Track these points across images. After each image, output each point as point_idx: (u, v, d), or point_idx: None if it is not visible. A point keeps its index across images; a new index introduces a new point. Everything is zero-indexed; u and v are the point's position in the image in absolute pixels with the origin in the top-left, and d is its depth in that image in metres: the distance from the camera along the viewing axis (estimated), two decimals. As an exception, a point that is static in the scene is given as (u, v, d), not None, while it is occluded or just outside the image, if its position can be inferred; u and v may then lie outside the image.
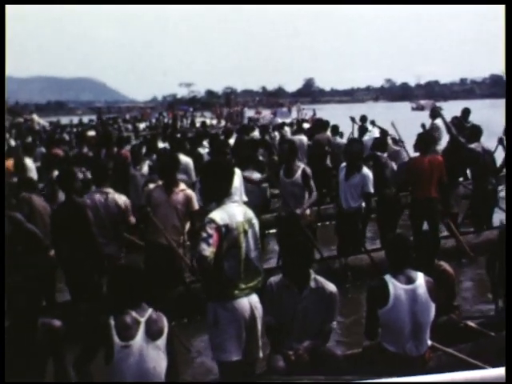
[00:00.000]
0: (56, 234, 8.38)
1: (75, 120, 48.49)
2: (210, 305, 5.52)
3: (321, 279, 6.19)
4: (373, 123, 18.88)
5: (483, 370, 3.91)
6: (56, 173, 11.24)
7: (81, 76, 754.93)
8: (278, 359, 5.99)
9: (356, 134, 18.63)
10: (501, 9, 6.14)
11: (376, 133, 17.07)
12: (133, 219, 8.81)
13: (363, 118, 19.72)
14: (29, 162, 13.81)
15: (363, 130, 18.44)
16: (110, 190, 8.79)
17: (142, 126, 44.83)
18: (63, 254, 8.37)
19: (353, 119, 19.48)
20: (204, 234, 5.26)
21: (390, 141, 14.85)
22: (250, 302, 5.54)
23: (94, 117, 56.43)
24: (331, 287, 6.17)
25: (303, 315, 6.09)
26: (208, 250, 5.19)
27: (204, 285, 5.72)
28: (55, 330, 5.21)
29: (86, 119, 52.45)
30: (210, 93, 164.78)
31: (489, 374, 3.57)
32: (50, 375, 5.29)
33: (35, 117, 47.15)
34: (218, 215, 5.38)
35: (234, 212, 5.50)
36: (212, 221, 5.32)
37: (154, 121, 53.02)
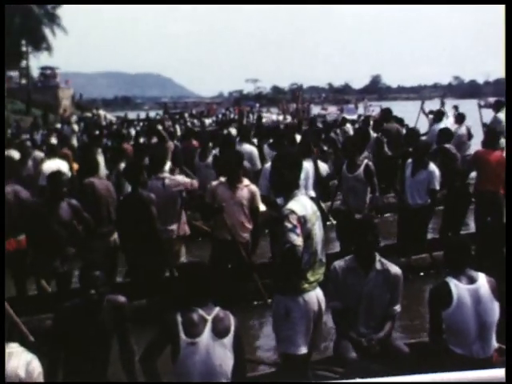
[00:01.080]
0: (121, 225, 8.61)
1: (142, 115, 48.69)
2: (281, 298, 5.51)
3: (385, 261, 6.18)
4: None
5: (484, 370, 3.95)
6: (123, 165, 11.40)
7: (147, 71, 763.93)
8: (348, 349, 5.98)
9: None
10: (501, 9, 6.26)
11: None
12: (195, 183, 9.13)
13: (439, 112, 19.08)
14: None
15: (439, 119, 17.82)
16: (165, 175, 9.01)
17: (208, 121, 44.76)
18: (127, 246, 8.59)
19: (424, 111, 19.00)
20: (289, 225, 5.19)
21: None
22: (316, 295, 5.54)
23: (160, 112, 56.73)
24: (396, 269, 6.16)
25: (369, 298, 6.08)
26: (298, 240, 5.16)
27: (275, 278, 5.70)
28: (120, 306, 5.40)
29: (152, 114, 52.71)
30: (276, 89, 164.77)
31: (489, 374, 3.67)
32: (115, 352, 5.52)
33: (102, 112, 47.62)
34: (296, 206, 5.35)
35: (306, 204, 5.50)
36: (292, 211, 5.27)
37: (220, 116, 53.04)
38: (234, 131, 21.34)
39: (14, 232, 8.38)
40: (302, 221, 5.30)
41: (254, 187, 8.82)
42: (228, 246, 8.60)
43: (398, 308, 6.17)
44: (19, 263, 8.45)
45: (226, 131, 22.81)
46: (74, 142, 22.42)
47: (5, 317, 4.66)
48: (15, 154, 13.12)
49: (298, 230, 5.20)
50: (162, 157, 9.59)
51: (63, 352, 5.31)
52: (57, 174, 8.33)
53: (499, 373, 3.53)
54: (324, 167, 11.15)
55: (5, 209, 8.20)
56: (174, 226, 8.93)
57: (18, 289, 8.64)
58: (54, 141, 21.27)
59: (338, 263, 6.20)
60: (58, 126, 34.19)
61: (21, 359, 4.38)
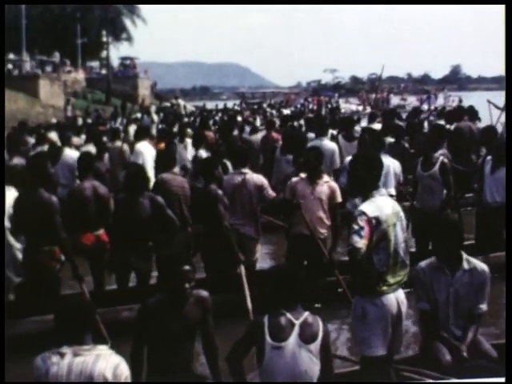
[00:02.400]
0: (195, 221, 8.65)
1: (220, 105, 48.75)
2: (358, 299, 5.51)
3: (472, 259, 6.07)
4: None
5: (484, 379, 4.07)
6: (203, 152, 11.92)
7: (226, 61, 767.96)
8: (441, 351, 5.84)
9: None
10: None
11: None
12: (272, 193, 8.89)
13: None
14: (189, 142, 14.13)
15: None
16: (247, 171, 8.88)
17: (286, 111, 44.46)
18: (201, 242, 8.60)
19: (496, 105, 18.41)
20: (356, 227, 5.22)
21: None
22: (396, 298, 5.47)
23: (238, 101, 56.72)
24: (483, 267, 6.04)
25: (456, 298, 5.97)
26: (360, 242, 5.14)
27: (352, 279, 5.72)
28: (204, 300, 5.41)
29: (230, 104, 52.75)
30: (354, 79, 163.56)
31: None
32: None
33: (181, 101, 47.88)
34: (369, 207, 5.34)
35: (383, 205, 5.45)
36: (363, 213, 5.27)
37: (298, 106, 52.74)
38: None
39: (92, 227, 8.46)
40: (374, 222, 5.28)
41: (333, 184, 8.81)
42: (306, 241, 8.55)
43: (484, 307, 6.03)
44: (98, 258, 8.53)
45: (296, 123, 22.59)
46: (154, 132, 22.38)
47: (89, 315, 4.54)
48: (91, 149, 13.20)
49: (364, 232, 5.19)
50: (245, 151, 9.47)
51: (147, 348, 5.33)
52: (137, 170, 8.35)
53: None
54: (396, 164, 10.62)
55: (83, 204, 8.39)
56: (251, 223, 8.83)
57: (96, 284, 8.65)
58: (132, 130, 21.38)
59: (425, 263, 6.09)
60: (138, 115, 34.37)
61: (109, 362, 4.32)
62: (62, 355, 4.30)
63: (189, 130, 19.27)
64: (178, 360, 5.32)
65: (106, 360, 4.32)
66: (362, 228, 5.19)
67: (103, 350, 4.39)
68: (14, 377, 6.76)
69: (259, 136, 16.40)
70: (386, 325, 5.43)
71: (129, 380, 4.40)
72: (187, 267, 5.21)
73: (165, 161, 9.34)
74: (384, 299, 5.40)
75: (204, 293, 5.46)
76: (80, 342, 4.34)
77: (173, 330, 5.20)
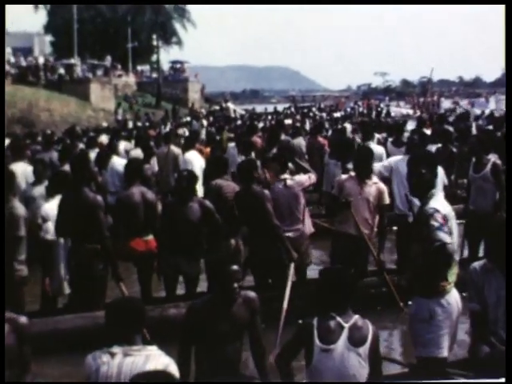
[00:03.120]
0: (240, 220, 8.55)
1: (270, 108, 48.70)
2: (423, 301, 5.46)
3: None
4: None
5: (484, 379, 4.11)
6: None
7: (276, 64, 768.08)
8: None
9: None
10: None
11: None
12: (313, 177, 8.91)
13: None
14: (231, 146, 14.25)
15: None
16: (286, 176, 8.84)
17: (336, 115, 44.27)
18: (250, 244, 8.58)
19: None
20: (436, 224, 5.20)
21: None
22: (454, 296, 5.50)
23: (288, 105, 56.60)
24: None
25: (507, 301, 5.77)
26: (448, 238, 5.19)
27: (416, 279, 5.59)
28: (251, 300, 5.41)
29: (280, 107, 52.64)
30: (405, 82, 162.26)
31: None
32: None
33: (230, 105, 47.95)
34: (438, 204, 5.38)
35: (444, 202, 5.49)
36: (437, 210, 5.29)
37: (348, 110, 52.49)
38: (349, 127, 21.00)
39: (141, 232, 8.47)
40: (446, 219, 5.31)
41: (382, 185, 8.76)
42: (351, 241, 8.54)
43: None
44: (147, 263, 8.52)
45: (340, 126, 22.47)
46: (203, 136, 22.41)
47: (140, 315, 4.50)
48: (139, 154, 13.25)
49: (446, 228, 5.22)
50: (283, 159, 9.36)
51: (195, 348, 5.36)
52: (189, 175, 8.33)
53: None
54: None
55: (132, 210, 8.41)
56: (300, 225, 8.76)
57: (143, 288, 8.64)
58: (182, 133, 21.40)
59: (477, 264, 5.89)
60: (187, 119, 34.50)
61: (158, 363, 4.27)
62: (112, 355, 4.30)
63: (230, 135, 19.30)
64: (226, 361, 5.34)
65: (155, 361, 4.28)
66: (442, 224, 5.20)
67: (153, 350, 4.36)
68: (60, 374, 6.86)
69: (301, 140, 16.20)
70: (451, 324, 5.47)
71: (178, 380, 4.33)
72: (235, 267, 5.24)
73: (218, 167, 9.27)
74: (448, 298, 5.44)
75: (252, 293, 5.48)
76: (130, 342, 4.35)
77: (221, 331, 5.24)
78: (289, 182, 8.76)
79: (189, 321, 5.36)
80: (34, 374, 5.19)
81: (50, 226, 8.09)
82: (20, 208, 7.47)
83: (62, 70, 47.92)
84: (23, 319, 5.06)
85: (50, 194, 8.69)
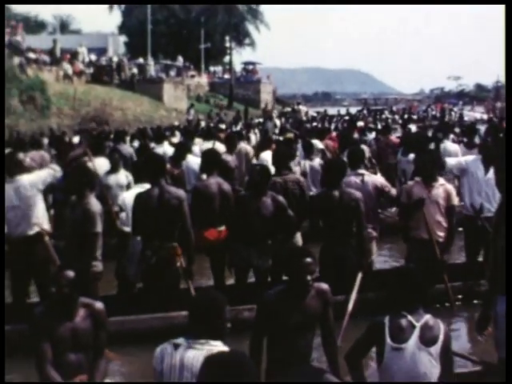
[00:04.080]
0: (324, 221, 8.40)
1: (342, 111, 48.40)
2: (502, 298, 5.27)
3: None
4: None
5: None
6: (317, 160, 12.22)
7: (348, 67, 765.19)
8: None
9: None
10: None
11: None
12: (394, 192, 8.99)
13: None
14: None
15: None
16: (364, 172, 8.90)
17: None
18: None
19: None
20: None
21: None
22: None
23: (360, 108, 56.24)
24: None
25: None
26: None
27: (498, 279, 5.38)
28: (324, 292, 5.45)
29: (352, 110, 52.32)
30: (479, 86, 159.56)
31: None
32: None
33: (302, 107, 47.83)
34: None
35: None
36: None
37: (421, 113, 51.84)
38: (413, 127, 21.04)
39: (216, 223, 8.56)
40: None
41: (449, 186, 8.66)
42: (425, 245, 8.42)
43: None
44: (218, 253, 8.60)
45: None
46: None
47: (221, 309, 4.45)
48: (220, 147, 13.30)
49: None
50: (360, 153, 9.55)
51: (267, 340, 5.41)
52: (263, 170, 8.31)
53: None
54: None
55: (208, 200, 8.51)
56: (370, 225, 8.70)
57: (216, 279, 8.73)
58: (253, 135, 21.48)
59: None
60: (259, 120, 34.47)
61: None
62: (176, 346, 4.33)
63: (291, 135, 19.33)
64: (297, 352, 5.36)
65: None
66: None
67: (216, 345, 4.28)
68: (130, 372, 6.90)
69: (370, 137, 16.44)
70: None
71: None
72: (309, 259, 5.26)
73: (282, 162, 9.23)
74: None
75: (325, 286, 5.49)
76: (206, 336, 4.32)
77: (293, 322, 5.27)
78: (366, 178, 8.83)
79: (261, 312, 5.40)
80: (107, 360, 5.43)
81: (126, 216, 8.21)
82: (96, 205, 7.54)
83: (135, 70, 48.48)
84: (99, 305, 5.28)
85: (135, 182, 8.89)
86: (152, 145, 14.48)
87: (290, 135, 19.12)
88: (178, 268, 7.68)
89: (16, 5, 52.90)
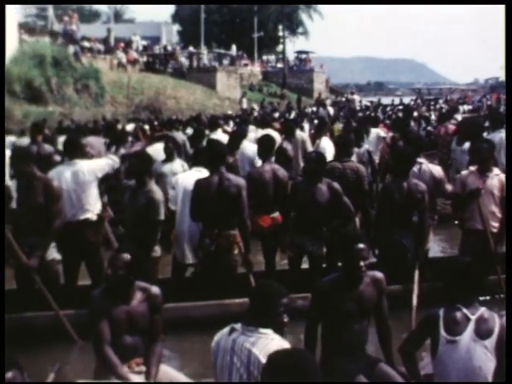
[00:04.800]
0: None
1: (396, 101, 47.90)
2: None
3: None
4: None
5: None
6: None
7: (401, 57, 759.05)
8: None
9: None
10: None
11: None
12: (449, 187, 8.88)
13: None
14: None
15: None
16: (422, 161, 8.82)
17: (463, 108, 43.06)
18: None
19: None
20: None
21: None
22: None
23: (414, 97, 55.63)
24: None
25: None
26: None
27: None
28: (378, 280, 5.45)
29: (406, 100, 51.73)
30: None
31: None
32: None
33: (356, 96, 47.51)
34: None
35: None
36: None
37: (476, 103, 51.06)
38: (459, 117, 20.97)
39: (270, 209, 8.61)
40: None
41: (503, 176, 8.48)
42: (480, 236, 8.36)
43: None
44: (271, 239, 8.62)
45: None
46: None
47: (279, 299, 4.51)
48: (275, 135, 13.29)
49: None
50: (419, 140, 9.55)
51: (321, 327, 5.42)
52: (319, 157, 8.26)
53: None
54: None
55: (262, 186, 8.54)
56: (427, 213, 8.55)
57: (268, 264, 8.77)
58: (306, 123, 21.41)
59: None
60: (313, 109, 34.29)
61: (265, 347, 4.28)
62: (232, 331, 4.46)
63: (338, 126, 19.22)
64: (352, 340, 5.36)
65: (262, 345, 4.32)
66: None
67: (266, 334, 4.37)
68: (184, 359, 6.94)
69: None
70: None
71: None
72: (362, 245, 5.27)
73: (345, 149, 9.18)
74: None
75: (379, 274, 5.49)
76: (257, 323, 4.40)
77: (347, 310, 5.27)
78: (424, 167, 8.74)
79: (316, 299, 5.41)
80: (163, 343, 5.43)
81: (174, 195, 8.29)
82: (158, 192, 7.68)
83: (188, 59, 48.60)
84: (155, 289, 5.32)
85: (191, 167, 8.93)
86: (206, 132, 14.45)
87: (338, 126, 19.04)
88: (236, 256, 7.70)
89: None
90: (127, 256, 5.22)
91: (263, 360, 4.20)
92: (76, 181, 7.85)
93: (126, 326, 5.21)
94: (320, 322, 5.41)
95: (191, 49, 52.33)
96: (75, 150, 8.15)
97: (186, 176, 8.26)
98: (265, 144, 9.05)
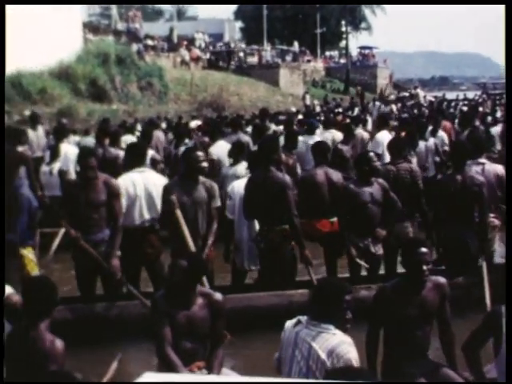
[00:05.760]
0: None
1: (460, 95, 47.16)
2: None
3: None
4: None
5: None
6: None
7: (466, 51, 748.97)
8: None
9: None
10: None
11: None
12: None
13: None
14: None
15: None
16: (485, 161, 8.68)
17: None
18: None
19: None
20: None
21: None
22: None
23: (478, 92, 54.74)
24: None
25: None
26: None
27: None
28: (441, 286, 5.39)
29: (470, 95, 50.90)
30: None
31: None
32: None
33: (420, 91, 46.98)
34: None
35: None
36: None
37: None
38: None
39: (328, 213, 8.51)
40: None
41: None
42: None
43: None
44: (332, 244, 8.52)
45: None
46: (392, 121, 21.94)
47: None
48: (338, 135, 13.18)
49: None
50: (481, 141, 9.32)
51: (383, 332, 5.39)
52: (368, 157, 8.20)
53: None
54: None
55: (315, 189, 8.54)
56: (492, 214, 8.48)
57: (329, 269, 8.68)
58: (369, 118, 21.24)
59: None
60: (376, 104, 33.94)
61: (325, 342, 4.42)
62: (297, 323, 4.57)
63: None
64: (415, 345, 5.32)
65: (324, 339, 4.41)
66: None
67: (327, 329, 4.46)
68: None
69: (498, 128, 16.06)
70: None
71: (353, 362, 4.34)
72: (424, 249, 5.22)
73: (397, 148, 9.03)
74: None
75: (442, 279, 5.44)
76: (313, 318, 4.54)
77: (409, 315, 5.23)
78: (487, 167, 8.59)
79: (378, 303, 5.38)
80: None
81: (231, 203, 8.23)
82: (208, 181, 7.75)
83: (251, 56, 48.65)
84: (218, 295, 5.40)
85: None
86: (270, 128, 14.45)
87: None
88: (291, 250, 7.76)
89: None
90: (185, 263, 5.27)
91: (322, 355, 4.36)
92: (147, 188, 7.87)
93: (186, 331, 5.26)
94: (382, 327, 5.37)
95: (254, 45, 52.34)
96: (143, 158, 8.27)
97: (240, 184, 8.21)
98: (317, 150, 9.03)
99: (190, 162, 7.51)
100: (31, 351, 4.60)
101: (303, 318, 4.57)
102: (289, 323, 4.67)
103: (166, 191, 7.46)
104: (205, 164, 7.62)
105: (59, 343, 4.62)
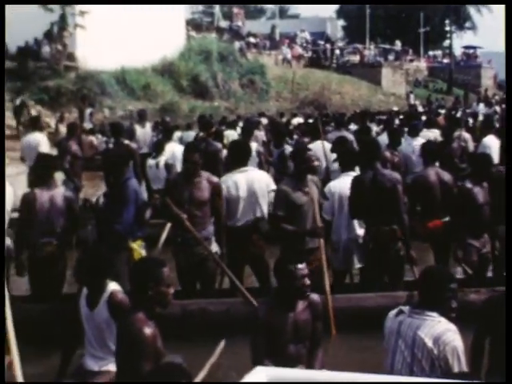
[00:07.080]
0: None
1: None
2: None
3: None
4: None
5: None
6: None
7: None
8: None
9: None
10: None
11: None
12: None
13: None
14: None
15: None
16: None
17: None
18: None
19: None
20: None
21: None
22: None
23: None
24: None
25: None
26: None
27: None
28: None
29: None
30: None
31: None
32: None
33: None
34: None
35: None
36: None
37: None
38: None
39: (439, 214, 8.41)
40: None
41: None
42: None
43: None
44: (442, 244, 8.42)
45: None
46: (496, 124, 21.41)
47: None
48: (437, 135, 13.04)
49: None
50: None
51: (489, 340, 5.03)
52: (483, 158, 8.16)
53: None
54: None
55: (427, 190, 8.47)
56: None
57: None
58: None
59: None
60: (480, 106, 33.19)
61: (431, 330, 4.44)
62: (399, 313, 4.61)
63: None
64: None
65: (429, 327, 4.41)
66: None
67: (432, 316, 4.46)
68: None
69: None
70: None
71: (457, 352, 4.35)
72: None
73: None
74: None
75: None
76: (418, 306, 4.59)
77: None
78: None
79: (485, 313, 5.07)
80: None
81: (329, 204, 8.08)
82: None
83: (353, 54, 48.35)
84: (316, 296, 5.51)
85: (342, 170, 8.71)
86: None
87: None
88: (397, 250, 7.59)
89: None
90: (304, 266, 5.33)
91: (429, 343, 4.37)
92: (250, 189, 7.82)
93: (292, 335, 5.31)
94: (488, 337, 5.04)
95: (356, 44, 51.97)
96: (247, 157, 8.18)
97: (336, 184, 8.17)
98: (426, 149, 9.00)
99: (302, 161, 7.54)
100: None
101: (405, 308, 4.59)
102: (391, 314, 4.70)
103: (282, 194, 7.47)
104: (317, 163, 7.69)
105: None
